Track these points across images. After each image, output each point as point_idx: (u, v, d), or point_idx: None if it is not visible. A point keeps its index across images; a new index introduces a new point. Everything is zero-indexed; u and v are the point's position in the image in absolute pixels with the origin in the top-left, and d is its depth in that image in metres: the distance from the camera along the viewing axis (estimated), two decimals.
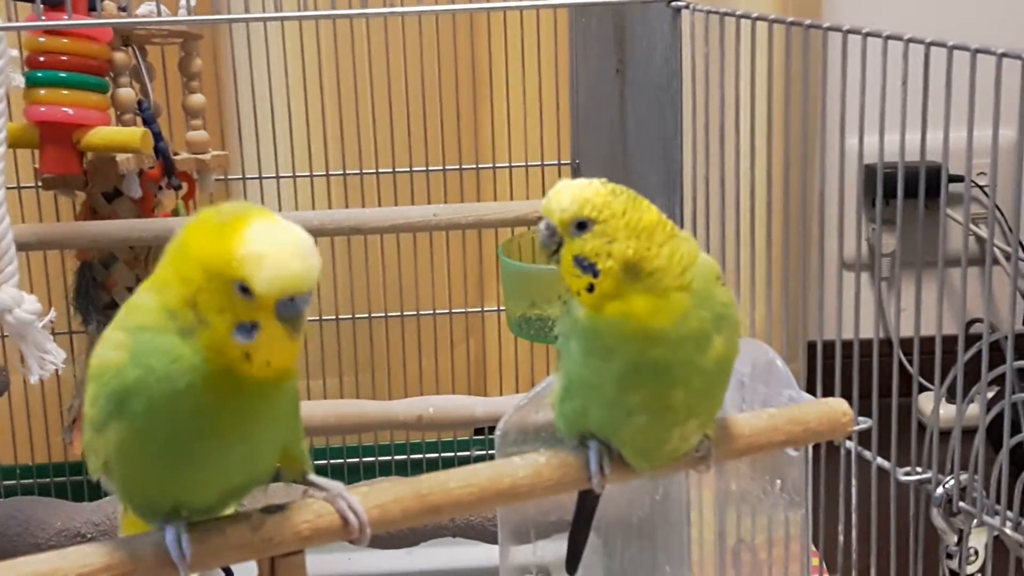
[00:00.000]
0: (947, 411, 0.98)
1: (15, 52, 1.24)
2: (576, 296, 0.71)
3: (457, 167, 1.61)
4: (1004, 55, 0.82)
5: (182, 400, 0.62)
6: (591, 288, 0.70)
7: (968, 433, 0.95)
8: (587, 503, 0.85)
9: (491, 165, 1.64)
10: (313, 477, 0.70)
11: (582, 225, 0.70)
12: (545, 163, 1.63)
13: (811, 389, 0.99)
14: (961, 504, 0.94)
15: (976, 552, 0.97)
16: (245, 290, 0.60)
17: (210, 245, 0.61)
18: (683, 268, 0.70)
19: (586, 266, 0.70)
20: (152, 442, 0.64)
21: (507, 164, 1.63)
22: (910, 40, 0.89)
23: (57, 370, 1.15)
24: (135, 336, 0.63)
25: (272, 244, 0.60)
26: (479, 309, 1.70)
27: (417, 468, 1.66)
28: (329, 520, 0.69)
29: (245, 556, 0.68)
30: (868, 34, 0.92)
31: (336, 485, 0.69)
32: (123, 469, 0.66)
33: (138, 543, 0.66)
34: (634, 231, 0.69)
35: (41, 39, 1.25)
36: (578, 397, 0.74)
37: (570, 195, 0.70)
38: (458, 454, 1.69)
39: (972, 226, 1.98)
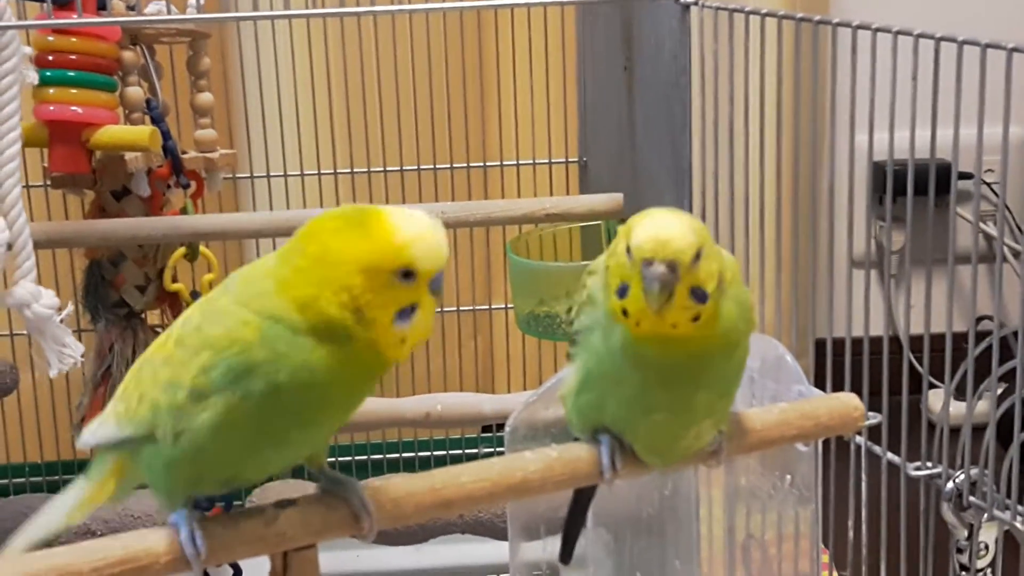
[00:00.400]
0: (957, 408, 0.98)
1: (28, 49, 1.25)
2: (670, 329, 0.67)
3: (465, 165, 1.61)
4: (1015, 50, 0.82)
5: (304, 392, 0.63)
6: (697, 318, 0.67)
7: (979, 429, 0.95)
8: (584, 494, 0.85)
9: (499, 163, 1.64)
10: (328, 470, 0.71)
11: (699, 255, 0.67)
12: (553, 160, 1.63)
13: (820, 386, 0.99)
14: (971, 499, 0.94)
15: (986, 546, 0.97)
16: (407, 275, 0.63)
17: (364, 245, 0.62)
18: (732, 272, 0.70)
19: (700, 295, 0.67)
20: (256, 421, 0.64)
21: (515, 162, 1.63)
22: (920, 35, 0.89)
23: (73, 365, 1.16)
24: (266, 322, 0.63)
25: (418, 226, 0.63)
26: (487, 307, 1.70)
27: (425, 465, 1.66)
28: (340, 515, 0.69)
29: (258, 550, 0.68)
30: (878, 29, 0.92)
31: (350, 480, 0.70)
32: (206, 441, 0.64)
33: (151, 538, 0.66)
34: (712, 247, 0.68)
35: (50, 38, 1.25)
36: (595, 391, 0.74)
37: (683, 227, 0.67)
38: (466, 451, 1.69)
39: (981, 223, 1.97)
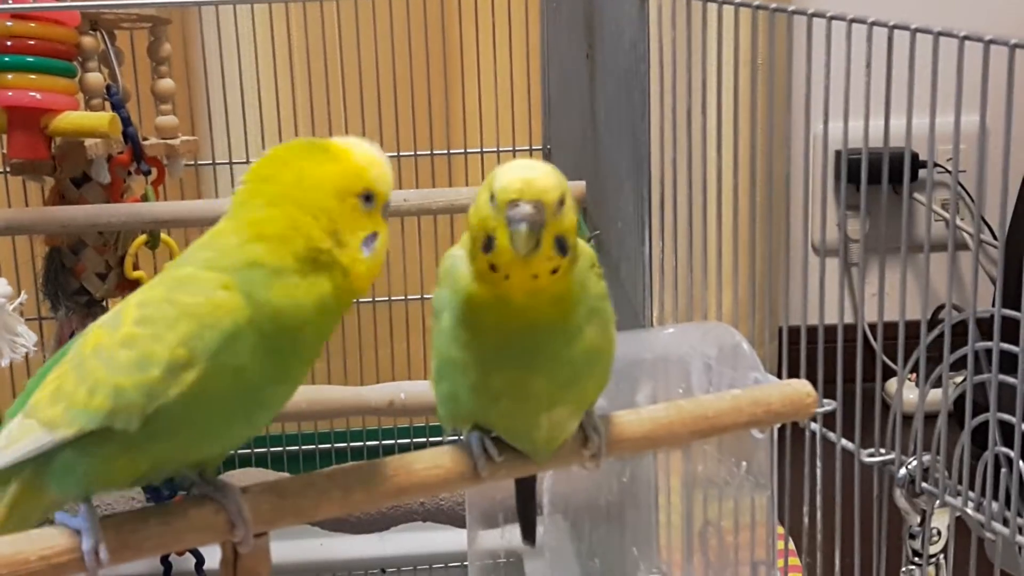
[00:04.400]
0: (913, 394, 0.99)
1: None
2: (532, 281, 0.65)
3: (428, 152, 1.61)
4: (966, 38, 0.83)
5: (291, 334, 0.63)
6: (556, 271, 0.66)
7: (933, 416, 0.96)
8: (525, 479, 0.84)
9: (462, 151, 1.63)
10: (209, 475, 0.69)
11: (563, 201, 0.66)
12: (517, 148, 1.63)
13: (780, 373, 1.00)
14: (924, 485, 0.95)
15: (939, 532, 0.97)
16: (368, 198, 0.65)
17: (334, 167, 0.64)
18: (586, 257, 0.70)
19: (563, 245, 0.66)
20: (241, 381, 0.63)
21: (479, 149, 1.63)
22: (873, 23, 0.90)
23: (28, 355, 1.15)
24: (241, 274, 0.62)
25: (369, 151, 0.66)
26: None
27: (389, 453, 1.66)
28: (219, 520, 0.68)
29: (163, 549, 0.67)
30: (832, 17, 0.93)
31: (229, 486, 0.68)
32: (183, 415, 0.62)
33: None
34: (572, 200, 0.67)
35: (8, 23, 1.24)
36: (447, 380, 0.73)
37: (547, 170, 0.66)
38: (430, 439, 1.69)
39: (942, 211, 1.98)
